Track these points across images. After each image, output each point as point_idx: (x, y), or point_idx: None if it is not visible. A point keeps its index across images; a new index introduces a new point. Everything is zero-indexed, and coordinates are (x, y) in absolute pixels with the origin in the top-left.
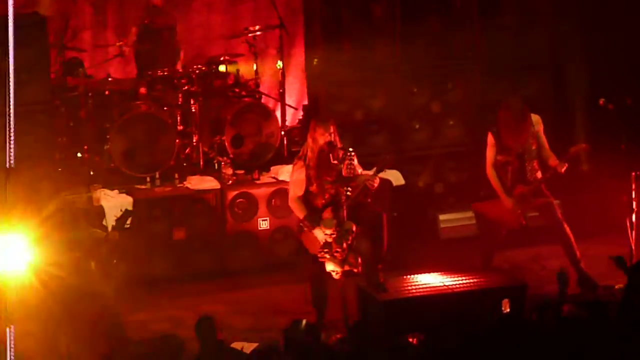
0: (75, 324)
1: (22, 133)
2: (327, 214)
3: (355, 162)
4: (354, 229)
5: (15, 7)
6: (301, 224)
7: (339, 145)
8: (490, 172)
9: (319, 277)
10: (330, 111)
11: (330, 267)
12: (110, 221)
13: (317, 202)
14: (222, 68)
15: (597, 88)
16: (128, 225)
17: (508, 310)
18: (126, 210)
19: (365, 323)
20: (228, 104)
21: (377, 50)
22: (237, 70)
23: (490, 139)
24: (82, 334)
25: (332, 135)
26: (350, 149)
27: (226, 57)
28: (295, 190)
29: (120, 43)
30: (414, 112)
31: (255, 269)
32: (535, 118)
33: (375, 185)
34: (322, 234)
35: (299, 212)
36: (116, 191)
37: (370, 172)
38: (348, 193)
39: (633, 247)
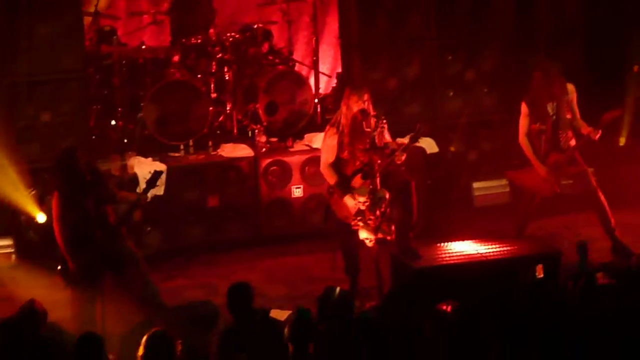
0: (108, 291)
1: (56, 101)
2: (356, 181)
3: (386, 130)
4: (387, 196)
5: None
6: (332, 190)
7: (372, 113)
8: (523, 141)
9: (351, 245)
10: (364, 79)
11: (363, 234)
12: (143, 185)
13: (347, 169)
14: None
15: (631, 55)
16: (157, 186)
17: (542, 275)
18: (155, 171)
19: (398, 291)
20: (262, 72)
21: (411, 17)
22: (271, 38)
23: (524, 108)
24: (116, 299)
25: (366, 103)
26: (382, 117)
27: (260, 25)
28: (327, 157)
29: (154, 10)
30: (448, 80)
31: (288, 236)
32: (569, 87)
33: (402, 159)
34: (352, 201)
35: (330, 178)
36: (150, 159)
37: (405, 140)
38: (381, 162)
39: None
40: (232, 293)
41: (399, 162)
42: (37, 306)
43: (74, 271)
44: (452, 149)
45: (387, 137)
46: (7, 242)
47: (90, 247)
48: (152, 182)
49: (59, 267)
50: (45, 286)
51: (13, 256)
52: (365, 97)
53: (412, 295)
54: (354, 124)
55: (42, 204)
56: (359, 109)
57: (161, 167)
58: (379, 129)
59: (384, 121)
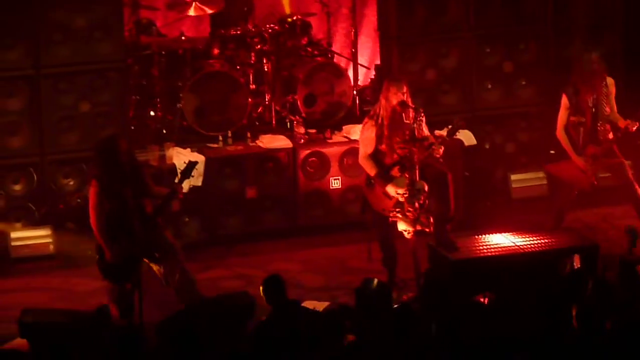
0: (146, 279)
1: (95, 91)
2: (395, 173)
3: (424, 122)
4: (426, 188)
5: None
6: (372, 181)
7: (411, 105)
8: (561, 134)
9: (388, 237)
10: (402, 71)
11: (402, 226)
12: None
13: (386, 161)
14: None
15: None
16: (194, 177)
17: (579, 265)
18: (190, 161)
19: (436, 282)
20: (300, 63)
21: (450, 9)
22: (310, 29)
23: (564, 100)
24: (153, 289)
25: (405, 95)
26: (421, 110)
27: (299, 16)
28: (366, 149)
29: (196, 2)
30: (486, 72)
31: (326, 227)
32: (609, 80)
33: (440, 153)
34: (394, 191)
35: (370, 170)
36: (188, 149)
37: (443, 133)
38: (417, 153)
39: None
40: (265, 286)
41: (437, 156)
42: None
43: (110, 261)
44: (487, 146)
45: (425, 129)
46: (45, 231)
47: (127, 237)
48: (186, 173)
49: (96, 258)
50: (83, 275)
51: (51, 246)
52: (404, 89)
53: (448, 287)
54: (393, 116)
55: (81, 194)
56: (398, 101)
57: (199, 157)
58: (417, 121)
59: (423, 114)
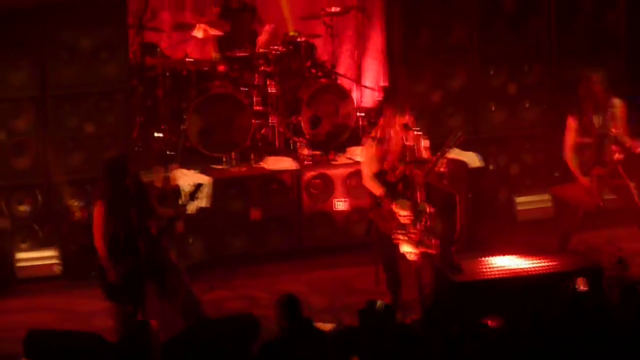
0: (150, 301)
1: (101, 112)
2: (400, 189)
3: (423, 144)
4: (429, 210)
5: None
6: (379, 200)
7: (413, 127)
8: (569, 155)
9: (392, 259)
10: (407, 93)
11: (405, 248)
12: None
13: (388, 178)
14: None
15: None
16: (200, 199)
17: (584, 288)
18: (197, 184)
19: (440, 305)
20: (305, 85)
21: (455, 31)
22: (315, 51)
23: (570, 122)
24: (158, 310)
25: (407, 117)
26: (419, 132)
27: (304, 38)
28: (369, 167)
29: (200, 24)
30: (490, 93)
31: (331, 249)
32: (616, 101)
33: (442, 169)
34: (401, 210)
35: (376, 189)
36: (192, 171)
37: (440, 151)
38: (425, 175)
39: None
40: (281, 304)
41: (442, 170)
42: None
43: (112, 282)
44: (491, 167)
45: (425, 153)
46: (51, 252)
47: (131, 258)
48: (193, 195)
49: (99, 279)
50: (87, 296)
51: (57, 267)
52: (407, 112)
53: (453, 309)
54: (395, 138)
55: (86, 215)
56: (401, 124)
57: (205, 179)
58: (420, 143)
59: (426, 138)
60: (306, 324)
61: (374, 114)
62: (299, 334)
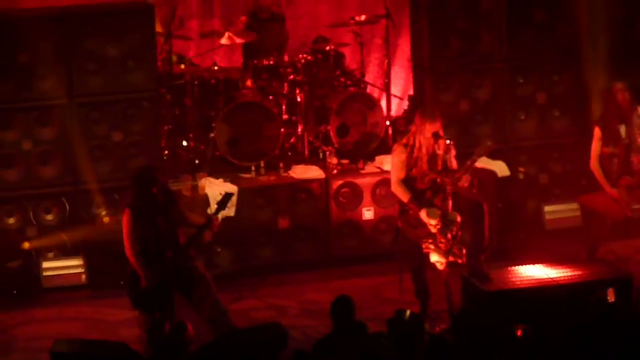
0: (178, 309)
1: (128, 120)
2: (428, 196)
3: (453, 154)
4: (458, 219)
5: None
6: (403, 209)
7: (443, 136)
8: (594, 165)
9: (421, 267)
10: (435, 101)
11: (434, 257)
12: (213, 206)
13: (417, 185)
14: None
15: None
16: (228, 208)
17: (613, 299)
18: (226, 193)
19: (469, 314)
20: (333, 94)
21: (483, 40)
22: (343, 60)
23: (596, 132)
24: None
25: (438, 126)
26: (449, 141)
27: (332, 47)
28: (398, 174)
29: (228, 32)
30: (519, 102)
31: (359, 258)
32: None
33: (465, 185)
34: (428, 218)
35: (403, 196)
36: (221, 180)
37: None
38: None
39: None
40: (335, 305)
41: (464, 185)
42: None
43: (141, 291)
44: (521, 176)
45: (454, 162)
46: (77, 261)
47: (159, 267)
48: (222, 204)
49: (127, 288)
50: (114, 305)
51: (83, 276)
52: (438, 120)
53: (481, 319)
54: (426, 147)
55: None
56: (432, 131)
57: (232, 188)
58: (451, 152)
59: (452, 145)
60: (359, 327)
61: (402, 123)
62: (350, 335)
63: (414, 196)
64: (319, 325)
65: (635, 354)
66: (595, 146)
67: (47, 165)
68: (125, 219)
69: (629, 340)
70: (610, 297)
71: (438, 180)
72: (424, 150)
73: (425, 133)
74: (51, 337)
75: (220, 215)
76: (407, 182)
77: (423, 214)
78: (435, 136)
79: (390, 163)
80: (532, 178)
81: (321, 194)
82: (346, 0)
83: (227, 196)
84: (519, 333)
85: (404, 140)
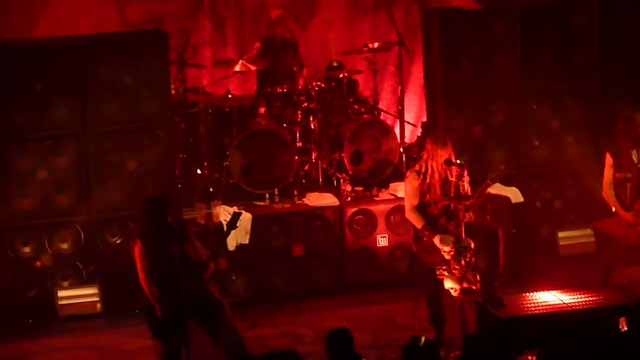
0: (194, 337)
1: (143, 149)
2: (442, 222)
3: (467, 180)
4: (472, 245)
5: (138, 23)
6: (418, 236)
7: (455, 161)
8: (607, 192)
9: (436, 294)
10: (448, 127)
11: (448, 284)
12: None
13: (431, 211)
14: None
15: None
16: (238, 227)
17: (626, 328)
18: (234, 212)
19: (483, 340)
20: (347, 121)
21: (497, 66)
22: (357, 87)
23: (608, 158)
24: (201, 347)
25: (450, 152)
26: (461, 162)
27: (345, 74)
28: (411, 201)
29: (242, 60)
30: (533, 128)
31: (374, 285)
32: None
33: (470, 220)
34: (443, 245)
35: (417, 222)
36: (235, 208)
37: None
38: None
39: None
40: (332, 337)
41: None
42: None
43: (160, 318)
44: (538, 203)
45: (467, 187)
46: (93, 290)
47: (174, 294)
48: (232, 224)
49: (146, 317)
50: (130, 334)
51: (98, 305)
52: (449, 146)
53: (496, 345)
54: (439, 173)
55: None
56: (444, 157)
57: (246, 215)
58: (464, 178)
59: (466, 171)
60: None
61: (416, 150)
62: None
63: (427, 222)
64: None
65: None
66: (607, 172)
67: (62, 194)
68: (136, 249)
69: None
70: (623, 326)
71: (451, 206)
72: (436, 176)
73: (438, 159)
74: None
75: (233, 242)
76: (421, 208)
77: (437, 240)
78: (448, 162)
79: (403, 190)
80: (546, 204)
81: (335, 221)
82: (359, 27)
83: (236, 215)
84: (533, 359)
85: (417, 167)
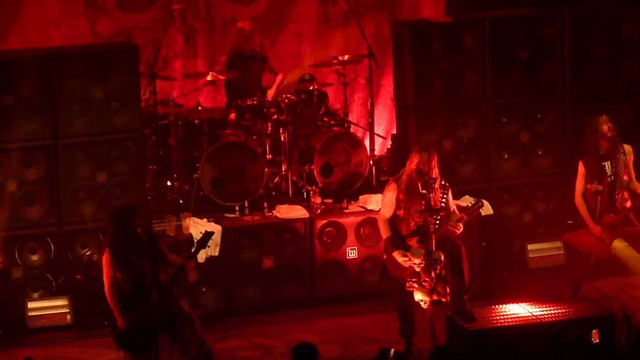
0: (163, 350)
1: (113, 161)
2: (411, 243)
3: (450, 196)
4: (442, 258)
5: (108, 36)
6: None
7: (435, 176)
8: (579, 201)
9: (406, 305)
10: (418, 141)
11: (418, 296)
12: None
13: (402, 228)
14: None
15: None
16: (209, 247)
17: (597, 340)
18: (206, 231)
19: (452, 352)
20: (317, 133)
21: (466, 79)
22: (327, 99)
23: (580, 167)
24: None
25: (427, 164)
26: (445, 182)
27: (315, 87)
28: (385, 211)
29: (212, 72)
30: (503, 141)
31: (343, 297)
32: (627, 148)
33: (458, 232)
34: (401, 257)
35: (384, 232)
36: (205, 220)
37: (463, 209)
38: (437, 225)
39: None
40: (297, 352)
41: (457, 233)
42: None
43: (121, 329)
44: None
45: (452, 204)
46: (63, 302)
47: (142, 308)
48: (202, 243)
49: (110, 327)
50: (100, 346)
51: (68, 316)
52: (427, 158)
53: (464, 357)
54: (410, 184)
55: (97, 264)
56: (417, 168)
57: (215, 227)
58: (435, 192)
59: (448, 187)
60: None
61: (386, 162)
62: None
63: (393, 236)
64: None
65: None
66: (579, 182)
67: (32, 206)
68: (104, 259)
69: None
70: (595, 339)
71: (420, 220)
72: (407, 186)
73: (412, 167)
74: None
75: (203, 255)
76: (394, 220)
77: (396, 255)
78: (419, 174)
79: (375, 203)
80: (515, 217)
81: (305, 233)
82: (329, 40)
83: (207, 235)
84: None
85: (398, 175)
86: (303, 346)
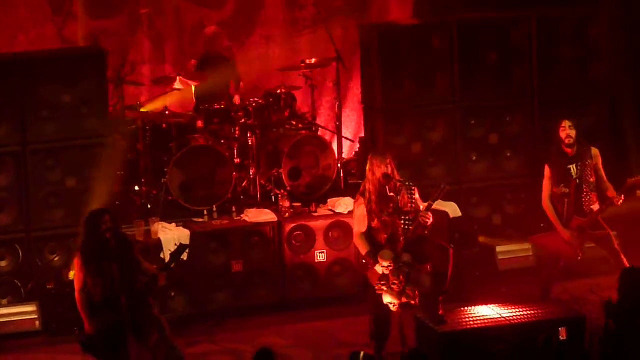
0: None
1: (81, 166)
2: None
3: (417, 196)
4: (411, 261)
5: (76, 40)
6: (364, 260)
7: (396, 177)
8: (546, 204)
9: (383, 311)
10: (387, 144)
11: (387, 299)
12: (167, 254)
13: (379, 238)
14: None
15: None
16: (185, 259)
17: (565, 337)
18: (181, 244)
19: (422, 354)
20: (285, 137)
21: (436, 82)
22: (295, 103)
23: (547, 171)
24: None
25: (389, 167)
26: (411, 183)
27: (283, 90)
28: (359, 227)
29: (180, 77)
30: (471, 144)
31: (314, 301)
32: (594, 151)
33: (429, 221)
34: (381, 269)
35: (362, 249)
36: (174, 224)
37: (426, 204)
38: (410, 227)
39: None
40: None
41: (427, 223)
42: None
43: (89, 336)
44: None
45: (420, 204)
46: (32, 308)
47: (110, 313)
48: (177, 255)
49: (76, 332)
50: (70, 352)
51: (37, 322)
52: (388, 161)
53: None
54: (379, 190)
55: (66, 270)
56: (382, 173)
57: (184, 232)
58: (407, 195)
59: (414, 188)
60: None
61: (354, 165)
62: None
63: (372, 250)
64: None
65: None
66: (546, 185)
67: (1, 212)
68: (75, 263)
69: None
70: (562, 336)
71: (389, 221)
72: (376, 193)
73: (377, 175)
74: None
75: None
76: (369, 232)
77: (377, 268)
78: (386, 178)
79: (343, 206)
80: (484, 219)
81: (274, 237)
82: (297, 43)
83: (182, 247)
84: None
85: (362, 188)
86: (261, 352)
